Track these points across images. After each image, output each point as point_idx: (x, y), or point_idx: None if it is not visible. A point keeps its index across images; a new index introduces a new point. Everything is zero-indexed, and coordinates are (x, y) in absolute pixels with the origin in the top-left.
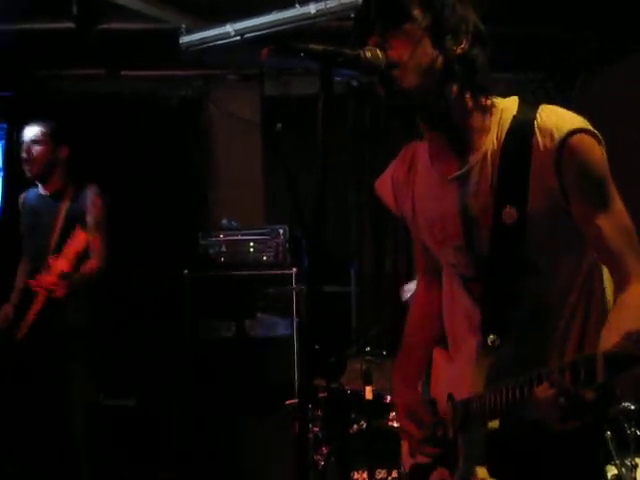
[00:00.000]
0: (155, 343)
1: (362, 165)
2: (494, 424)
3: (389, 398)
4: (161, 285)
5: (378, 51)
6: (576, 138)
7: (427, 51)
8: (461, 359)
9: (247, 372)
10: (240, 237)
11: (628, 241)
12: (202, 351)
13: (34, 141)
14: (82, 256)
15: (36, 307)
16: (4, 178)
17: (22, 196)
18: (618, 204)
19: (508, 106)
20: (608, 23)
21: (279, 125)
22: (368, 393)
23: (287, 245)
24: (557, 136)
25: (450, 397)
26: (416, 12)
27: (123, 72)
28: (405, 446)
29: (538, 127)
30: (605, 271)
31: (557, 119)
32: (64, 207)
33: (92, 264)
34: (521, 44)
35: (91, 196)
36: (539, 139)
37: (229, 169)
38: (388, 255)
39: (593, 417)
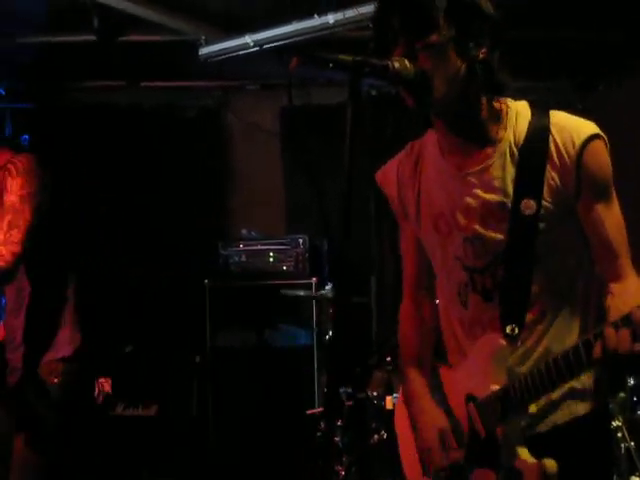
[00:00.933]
0: (176, 353)
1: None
2: (532, 408)
3: None
4: (182, 295)
5: (406, 61)
6: (595, 144)
7: (452, 60)
8: (474, 359)
9: (267, 381)
10: (260, 247)
11: (623, 240)
12: (222, 361)
13: None
14: None
15: None
16: None
17: None
18: (617, 205)
19: (521, 109)
20: (629, 32)
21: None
22: (389, 403)
23: (307, 255)
24: (577, 141)
25: (471, 398)
26: (441, 22)
27: (143, 83)
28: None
29: (556, 131)
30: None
31: (574, 124)
32: None
33: None
34: (541, 51)
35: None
36: (558, 142)
37: (249, 179)
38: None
39: None
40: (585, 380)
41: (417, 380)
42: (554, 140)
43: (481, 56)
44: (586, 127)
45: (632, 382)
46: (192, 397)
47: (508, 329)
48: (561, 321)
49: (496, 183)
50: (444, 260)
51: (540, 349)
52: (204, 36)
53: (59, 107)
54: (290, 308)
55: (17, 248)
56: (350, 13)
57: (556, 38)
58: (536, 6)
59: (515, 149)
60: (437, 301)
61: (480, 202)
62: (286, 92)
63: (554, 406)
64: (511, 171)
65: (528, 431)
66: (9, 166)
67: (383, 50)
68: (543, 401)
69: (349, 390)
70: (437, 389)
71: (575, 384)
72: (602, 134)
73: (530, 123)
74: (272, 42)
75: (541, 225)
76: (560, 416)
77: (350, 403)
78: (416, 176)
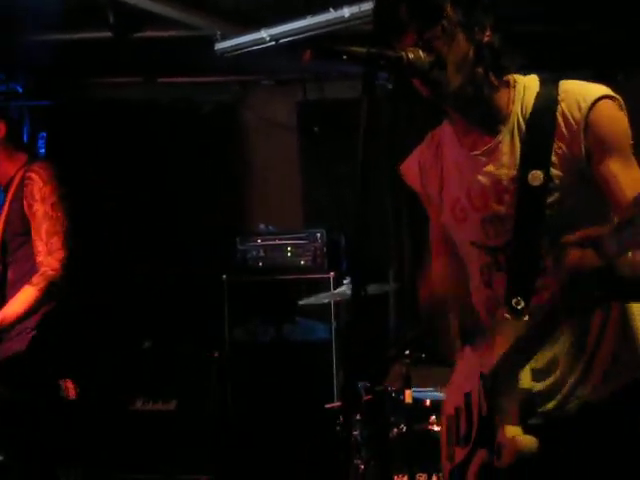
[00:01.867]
0: (194, 348)
1: (398, 165)
2: (526, 383)
3: (429, 401)
4: (200, 290)
5: (420, 52)
6: (602, 103)
7: (461, 44)
8: (488, 337)
9: (286, 376)
10: (278, 242)
11: None
12: (241, 355)
13: None
14: None
15: None
16: None
17: None
18: (637, 168)
19: (529, 82)
20: None
21: (316, 129)
22: (408, 396)
23: (325, 249)
24: (584, 105)
25: (480, 376)
26: (449, 8)
27: (160, 79)
28: (444, 450)
29: (562, 98)
30: None
31: (581, 89)
32: (5, 206)
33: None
34: (562, 43)
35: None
36: (564, 109)
37: (266, 174)
38: (426, 255)
39: None
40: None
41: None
42: (561, 108)
43: (486, 39)
44: (594, 89)
45: None
46: (211, 392)
47: (513, 302)
48: None
49: (505, 159)
50: (462, 246)
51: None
52: (220, 31)
53: (76, 104)
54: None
55: (61, 254)
56: (366, 6)
57: (576, 30)
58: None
59: (523, 122)
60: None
61: (492, 180)
62: (301, 87)
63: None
64: (519, 144)
65: (556, 412)
66: (31, 175)
67: (388, 41)
68: (550, 380)
69: (367, 384)
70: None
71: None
72: (615, 95)
73: (538, 94)
74: (288, 36)
75: (552, 196)
76: (587, 393)
77: (369, 397)
78: (437, 164)
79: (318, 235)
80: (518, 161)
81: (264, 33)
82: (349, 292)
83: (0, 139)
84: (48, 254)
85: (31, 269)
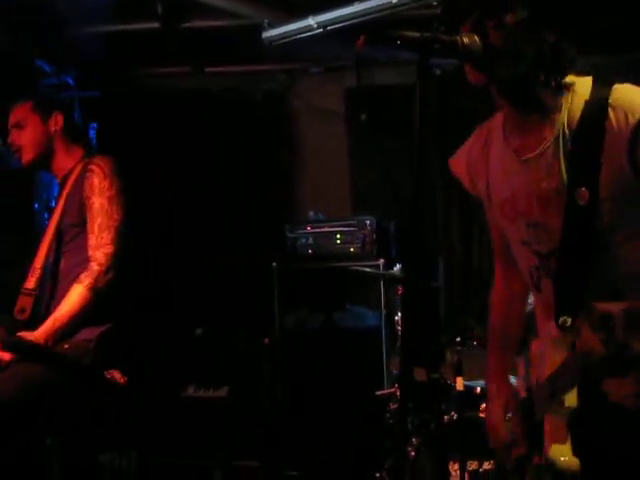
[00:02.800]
0: (245, 335)
1: (448, 156)
2: (572, 402)
3: (479, 389)
4: (250, 278)
5: (475, 37)
6: None
7: (522, 41)
8: (542, 342)
9: (336, 363)
10: (327, 229)
11: None
12: (291, 343)
13: (15, 125)
14: None
15: None
16: None
17: None
18: None
19: (581, 87)
20: None
21: (363, 116)
22: (459, 384)
23: (374, 236)
24: (632, 119)
25: (537, 381)
26: (517, 3)
27: (208, 69)
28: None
29: (611, 108)
30: None
31: (631, 101)
32: (63, 197)
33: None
34: (608, 25)
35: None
36: (612, 121)
37: (314, 161)
38: (475, 248)
39: None
40: None
41: (492, 359)
42: (609, 120)
43: (551, 40)
44: None
45: None
46: (261, 379)
47: (560, 320)
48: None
49: (551, 169)
50: (513, 243)
51: None
52: (267, 19)
53: (126, 95)
54: (358, 289)
55: (109, 249)
56: None
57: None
58: None
59: (568, 132)
60: None
61: (537, 188)
62: (350, 74)
63: None
64: (564, 156)
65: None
66: (92, 167)
67: (451, 25)
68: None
69: (423, 371)
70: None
71: None
72: None
73: (587, 103)
74: (335, 23)
75: (600, 213)
76: None
77: (423, 384)
78: (484, 159)
79: (367, 222)
80: (564, 176)
81: (312, 20)
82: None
83: (57, 131)
84: (97, 248)
85: (82, 260)
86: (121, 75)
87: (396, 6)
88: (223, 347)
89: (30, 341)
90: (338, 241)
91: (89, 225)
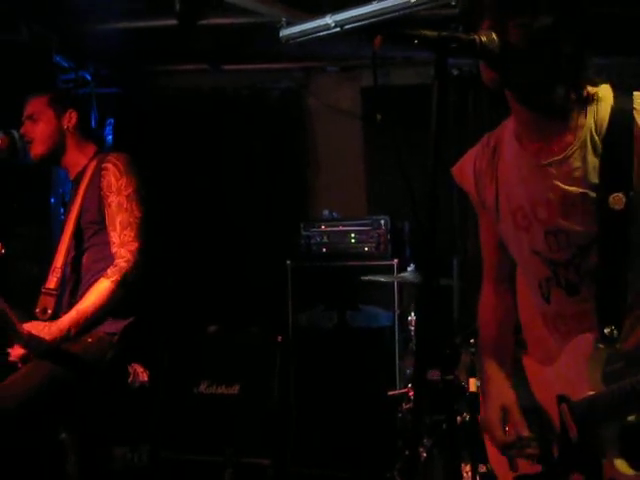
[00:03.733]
0: (258, 333)
1: (464, 152)
2: (632, 417)
3: None
4: (264, 276)
5: (493, 34)
6: None
7: (541, 46)
8: (567, 360)
9: (348, 362)
10: (341, 228)
11: None
12: (304, 341)
13: (28, 117)
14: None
15: None
16: None
17: None
18: None
19: (603, 93)
20: None
21: (379, 116)
22: (472, 385)
23: (389, 236)
24: None
25: (562, 398)
26: (541, 7)
27: (225, 66)
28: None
29: (637, 112)
30: None
31: None
32: (80, 194)
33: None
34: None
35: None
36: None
37: (329, 160)
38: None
39: None
40: None
41: (490, 368)
42: (637, 125)
43: (571, 48)
44: None
45: None
46: (274, 376)
47: (606, 331)
48: None
49: (577, 174)
50: (522, 253)
51: (632, 363)
52: (284, 18)
53: (143, 91)
54: (371, 289)
55: (134, 245)
56: None
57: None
58: None
59: (597, 138)
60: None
61: (561, 194)
62: (366, 73)
63: None
64: (593, 161)
65: None
66: (108, 166)
67: (469, 26)
68: None
69: (436, 372)
70: (518, 377)
71: None
72: None
73: (612, 109)
74: (353, 22)
75: (634, 218)
76: None
77: (436, 385)
78: (493, 168)
79: (382, 222)
80: (593, 179)
81: (329, 19)
82: (411, 278)
83: (70, 128)
84: (121, 246)
85: (105, 256)
86: (138, 72)
87: (414, 5)
88: (236, 344)
89: (50, 341)
90: (352, 240)
91: (109, 222)
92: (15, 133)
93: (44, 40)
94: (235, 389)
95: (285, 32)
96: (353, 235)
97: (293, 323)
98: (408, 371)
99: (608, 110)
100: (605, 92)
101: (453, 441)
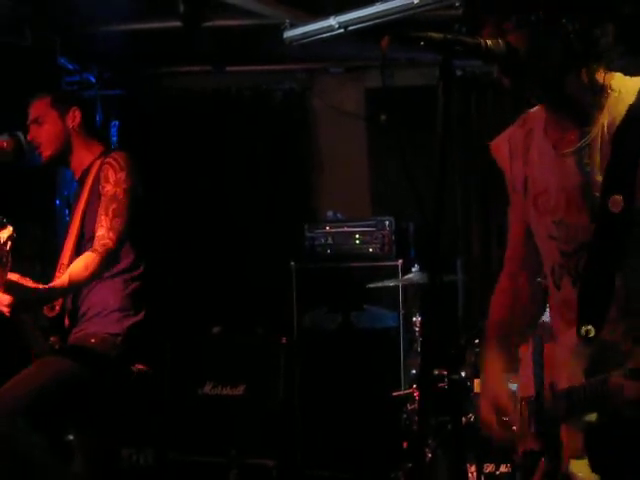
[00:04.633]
0: (263, 334)
1: (467, 153)
2: (592, 417)
3: None
4: (268, 277)
5: (499, 39)
6: None
7: (544, 36)
8: (560, 348)
9: (353, 363)
10: (346, 229)
11: None
12: (308, 342)
13: (33, 121)
14: None
15: None
16: None
17: None
18: None
19: (626, 87)
20: None
21: (383, 117)
22: (477, 385)
23: (393, 237)
24: None
25: (552, 386)
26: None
27: (229, 68)
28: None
29: None
30: None
31: None
32: (84, 194)
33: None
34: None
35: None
36: None
37: (334, 161)
38: (494, 248)
39: None
40: None
41: (488, 357)
42: None
43: (578, 27)
44: None
45: None
46: (279, 378)
47: (583, 329)
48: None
49: (583, 168)
50: (541, 238)
51: (613, 361)
52: (288, 19)
53: (147, 93)
54: (376, 290)
55: (120, 235)
56: None
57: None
58: None
59: (607, 136)
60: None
61: (566, 186)
62: (370, 74)
63: None
64: (601, 161)
65: None
66: (109, 160)
67: (473, 27)
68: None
69: (442, 372)
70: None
71: None
72: None
73: (631, 106)
74: (357, 24)
75: (631, 223)
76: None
77: (442, 385)
78: (526, 147)
79: (386, 223)
80: (596, 176)
81: (333, 20)
82: (417, 279)
83: (75, 127)
84: (109, 230)
85: None
86: (143, 74)
87: (418, 7)
88: (241, 345)
89: (32, 292)
90: (357, 241)
91: (101, 208)
92: (21, 135)
93: (48, 43)
94: (240, 390)
95: (289, 33)
96: (357, 236)
97: (298, 324)
98: (413, 372)
99: (625, 108)
100: (629, 88)
101: (458, 442)
